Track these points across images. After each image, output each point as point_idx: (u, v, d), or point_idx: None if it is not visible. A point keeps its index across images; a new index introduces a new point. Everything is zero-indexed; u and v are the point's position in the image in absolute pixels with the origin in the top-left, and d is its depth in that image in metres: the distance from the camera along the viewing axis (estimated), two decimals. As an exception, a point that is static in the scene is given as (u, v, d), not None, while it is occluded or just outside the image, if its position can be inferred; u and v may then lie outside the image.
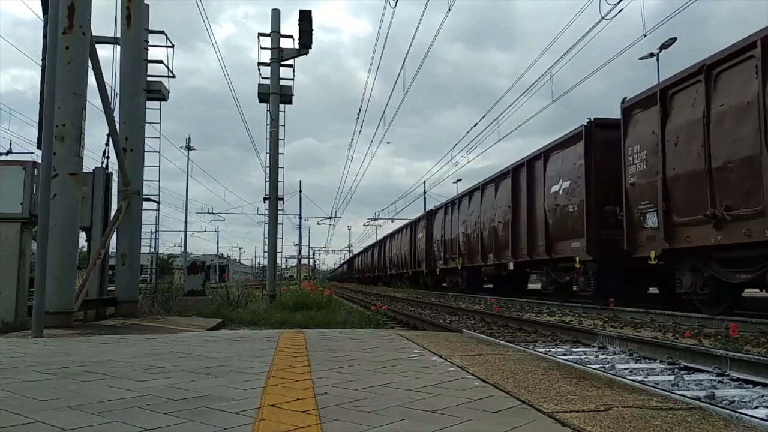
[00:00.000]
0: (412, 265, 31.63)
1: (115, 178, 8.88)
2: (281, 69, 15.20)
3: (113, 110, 8.44)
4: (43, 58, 6.73)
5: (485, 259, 19.30)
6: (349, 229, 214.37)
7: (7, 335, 5.59)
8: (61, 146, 6.41)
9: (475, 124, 59.74)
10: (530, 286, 21.96)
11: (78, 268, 7.43)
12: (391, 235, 40.97)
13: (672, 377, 4.39)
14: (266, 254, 16.61)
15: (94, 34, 7.28)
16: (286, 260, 71.38)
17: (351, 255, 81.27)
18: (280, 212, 15.85)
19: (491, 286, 22.43)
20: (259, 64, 15.37)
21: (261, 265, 67.97)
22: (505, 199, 17.47)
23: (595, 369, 3.71)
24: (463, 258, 21.76)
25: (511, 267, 17.03)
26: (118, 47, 9.02)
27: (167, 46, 10.99)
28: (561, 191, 13.66)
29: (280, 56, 15.05)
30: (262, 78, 15.40)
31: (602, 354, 5.72)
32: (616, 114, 11.68)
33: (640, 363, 5.16)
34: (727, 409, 2.49)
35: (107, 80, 8.14)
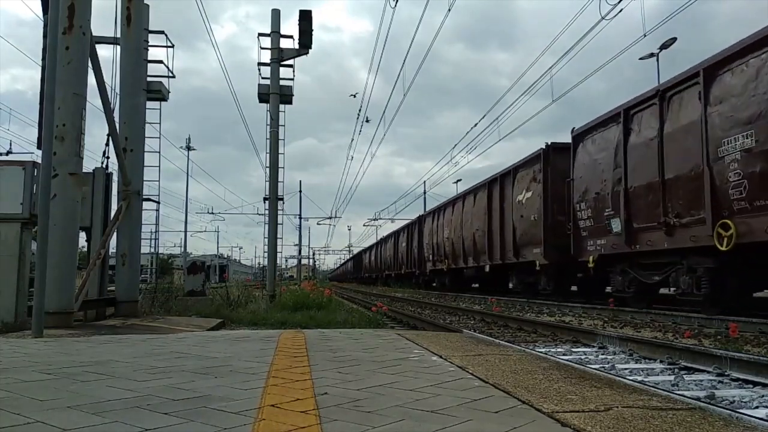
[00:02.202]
0: (494, 254, 17.98)
1: (115, 178, 8.88)
2: (281, 69, 15.23)
3: (113, 110, 8.44)
4: (43, 58, 6.73)
5: None
6: (349, 229, 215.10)
7: (7, 335, 5.59)
8: (61, 146, 6.41)
9: (476, 124, 59.76)
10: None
11: (78, 268, 7.43)
12: (438, 211, 25.99)
13: (672, 377, 4.39)
14: (266, 254, 16.64)
15: (94, 34, 7.28)
16: (286, 260, 71.40)
17: (356, 250, 72.96)
18: (280, 212, 15.90)
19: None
20: (259, 64, 15.42)
21: (261, 265, 68.07)
22: None
23: (595, 369, 3.71)
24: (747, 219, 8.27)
25: None
26: (118, 47, 9.02)
27: (167, 46, 11.00)
28: None
29: (280, 56, 15.08)
30: (262, 78, 15.45)
31: (602, 354, 5.72)
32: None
33: (640, 363, 5.16)
34: (727, 409, 2.49)
35: (107, 80, 8.15)
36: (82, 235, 8.11)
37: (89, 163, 8.82)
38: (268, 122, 15.33)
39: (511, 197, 16.77)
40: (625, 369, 4.78)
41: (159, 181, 11.56)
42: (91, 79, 7.22)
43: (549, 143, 14.98)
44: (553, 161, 14.61)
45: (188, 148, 39.43)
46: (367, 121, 15.54)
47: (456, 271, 22.93)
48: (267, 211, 15.84)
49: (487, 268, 18.93)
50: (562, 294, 14.62)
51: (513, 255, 16.51)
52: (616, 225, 11.37)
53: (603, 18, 11.97)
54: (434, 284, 26.90)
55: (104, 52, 12.36)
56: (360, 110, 27.67)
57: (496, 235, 17.78)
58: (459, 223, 21.84)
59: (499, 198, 17.77)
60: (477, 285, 24.07)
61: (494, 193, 18.32)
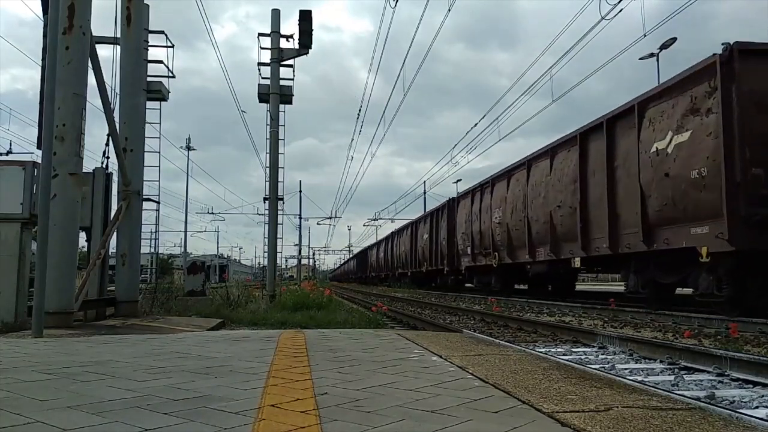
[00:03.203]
0: (593, 240, 11.98)
1: (115, 178, 8.89)
2: (281, 69, 15.25)
3: (113, 110, 8.44)
4: (43, 58, 6.73)
5: None
6: (349, 229, 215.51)
7: (7, 335, 5.59)
8: (61, 146, 6.41)
9: (476, 124, 59.73)
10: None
11: (78, 268, 7.43)
12: (481, 189, 19.31)
13: (672, 377, 4.39)
14: (266, 254, 16.65)
15: (94, 34, 7.28)
16: (286, 260, 71.41)
17: (356, 250, 69.67)
18: (280, 212, 15.94)
19: None
20: (259, 64, 15.44)
21: (261, 266, 67.98)
22: None
23: (595, 369, 3.71)
24: None
25: None
26: (118, 47, 9.03)
27: (167, 46, 11.02)
28: None
29: (280, 56, 15.09)
30: (262, 78, 15.48)
31: (602, 354, 5.72)
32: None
33: (640, 363, 5.16)
34: (727, 409, 2.50)
35: (107, 80, 8.16)
36: (82, 235, 8.12)
37: (89, 163, 8.85)
38: (268, 122, 15.34)
39: (634, 148, 10.42)
40: (625, 369, 4.78)
41: (159, 181, 11.61)
42: (91, 79, 7.24)
43: (730, 44, 8.43)
44: (741, 75, 8.35)
45: (188, 148, 39.46)
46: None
47: (511, 268, 16.79)
48: (267, 211, 15.86)
49: (577, 262, 12.68)
50: (756, 307, 8.16)
51: (642, 239, 10.11)
52: None
53: (603, 18, 11.98)
54: (470, 285, 20.90)
55: (104, 52, 12.38)
56: (360, 110, 27.68)
57: (599, 211, 11.57)
58: (521, 200, 15.46)
59: (605, 154, 11.38)
60: (525, 286, 17.87)
61: (592, 148, 12.08)
